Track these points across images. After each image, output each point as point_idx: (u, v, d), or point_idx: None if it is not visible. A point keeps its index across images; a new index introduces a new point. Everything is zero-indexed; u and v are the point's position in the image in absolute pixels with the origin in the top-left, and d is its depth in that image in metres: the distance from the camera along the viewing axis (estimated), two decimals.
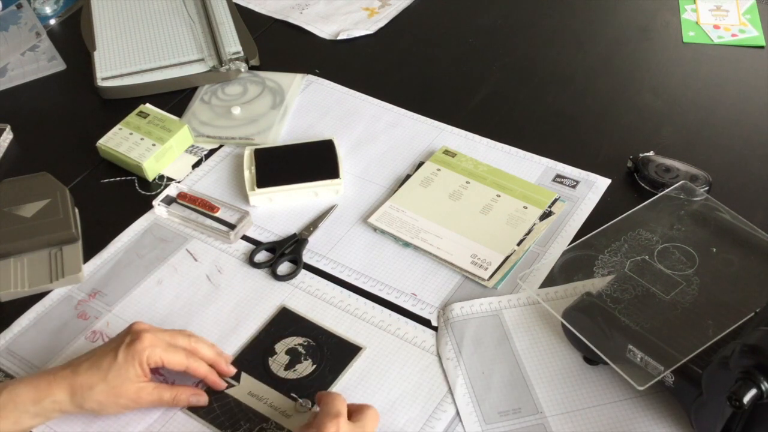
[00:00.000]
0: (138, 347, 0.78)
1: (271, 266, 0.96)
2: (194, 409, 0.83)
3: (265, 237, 1.00)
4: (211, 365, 0.84)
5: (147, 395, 0.79)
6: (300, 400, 0.83)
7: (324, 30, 1.32)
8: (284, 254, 0.97)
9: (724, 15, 1.28)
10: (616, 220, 0.92)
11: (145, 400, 0.79)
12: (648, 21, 1.30)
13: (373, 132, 1.13)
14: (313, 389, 0.84)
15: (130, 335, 0.80)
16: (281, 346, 0.88)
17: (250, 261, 0.96)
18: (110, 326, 0.91)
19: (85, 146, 1.12)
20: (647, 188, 1.01)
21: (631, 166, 1.04)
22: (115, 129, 1.11)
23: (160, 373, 0.85)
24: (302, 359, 0.86)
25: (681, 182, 0.97)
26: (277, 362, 0.86)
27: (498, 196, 1.01)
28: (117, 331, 0.85)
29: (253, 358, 0.87)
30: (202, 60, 1.22)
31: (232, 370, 0.85)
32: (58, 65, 1.27)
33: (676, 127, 1.11)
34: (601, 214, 0.99)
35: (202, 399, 0.82)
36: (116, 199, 1.06)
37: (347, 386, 0.84)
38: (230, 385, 0.84)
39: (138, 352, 0.78)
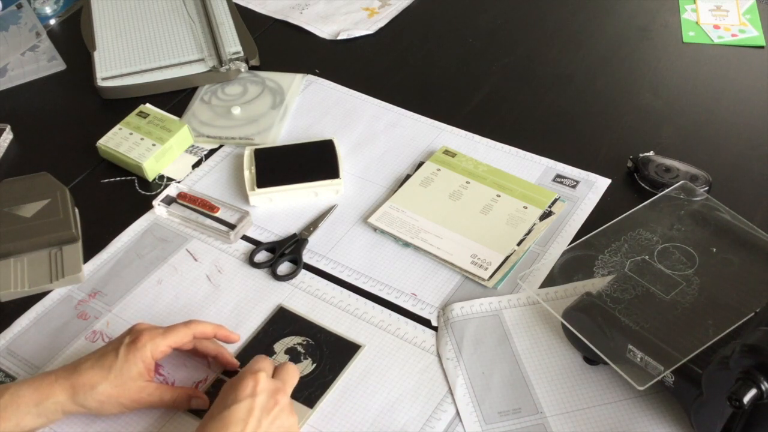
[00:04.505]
0: (138, 345, 0.79)
1: (271, 266, 0.96)
2: (195, 411, 0.82)
3: (265, 237, 1.00)
4: (214, 355, 0.85)
5: (148, 396, 0.79)
6: None
7: (324, 30, 1.32)
8: (284, 254, 0.97)
9: (724, 15, 1.28)
10: (616, 220, 0.92)
11: (146, 400, 0.80)
12: (648, 21, 1.30)
13: (373, 132, 1.13)
14: (313, 388, 0.84)
15: (130, 335, 0.80)
16: (280, 346, 0.88)
17: (250, 261, 0.96)
18: (110, 326, 0.91)
19: (85, 146, 1.12)
20: (647, 188, 1.01)
21: (631, 166, 1.04)
22: (115, 129, 1.11)
23: (161, 374, 0.85)
24: (302, 358, 0.86)
25: (681, 182, 0.97)
26: (277, 362, 0.86)
27: (498, 196, 1.01)
28: (117, 331, 0.86)
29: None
30: (202, 60, 1.22)
31: (236, 362, 0.85)
32: (58, 65, 1.27)
33: (676, 127, 1.11)
34: (601, 214, 0.99)
35: (203, 402, 0.82)
36: (116, 199, 1.06)
37: (347, 386, 0.84)
38: None
39: (139, 350, 0.78)
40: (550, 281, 0.91)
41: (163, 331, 0.81)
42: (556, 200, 1.01)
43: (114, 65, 1.22)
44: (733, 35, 1.25)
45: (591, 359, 0.84)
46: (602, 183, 1.03)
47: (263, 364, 0.78)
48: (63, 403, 0.78)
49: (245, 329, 0.90)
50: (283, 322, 0.90)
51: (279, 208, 1.03)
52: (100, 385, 0.77)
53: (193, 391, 0.83)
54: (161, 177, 1.08)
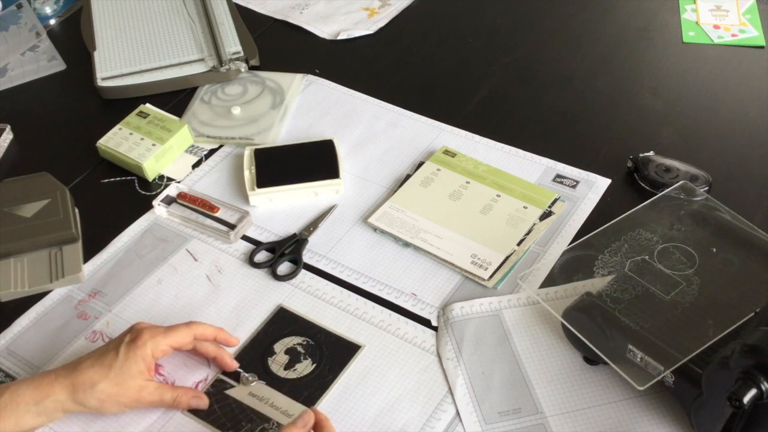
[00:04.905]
0: (139, 343, 0.79)
1: (271, 266, 0.96)
2: (195, 411, 0.82)
3: (265, 237, 1.00)
4: (214, 357, 0.85)
5: (148, 395, 0.79)
6: (246, 374, 0.84)
7: (324, 30, 1.32)
8: (284, 254, 0.97)
9: (724, 15, 1.28)
10: (616, 220, 0.92)
11: (146, 399, 0.80)
12: (648, 21, 1.30)
13: (373, 132, 1.13)
14: (313, 388, 0.84)
15: (131, 333, 0.81)
16: (280, 346, 0.88)
17: (250, 261, 0.96)
18: (110, 326, 0.91)
19: (85, 146, 1.12)
20: (647, 188, 1.01)
21: (631, 166, 1.04)
22: (115, 129, 1.11)
23: (160, 373, 0.85)
24: (302, 359, 0.86)
25: (681, 182, 0.97)
26: (277, 362, 0.86)
27: (498, 196, 1.01)
28: (117, 331, 0.86)
29: (252, 358, 0.87)
30: (202, 60, 1.22)
31: (236, 364, 0.85)
32: (58, 65, 1.27)
33: (676, 127, 1.11)
34: (601, 214, 0.99)
35: (203, 402, 0.82)
36: (116, 199, 1.06)
37: (347, 386, 0.84)
38: (230, 386, 0.84)
39: (139, 348, 0.79)
40: (550, 281, 0.91)
41: (164, 330, 0.81)
42: (556, 200, 1.01)
43: (114, 65, 1.22)
44: (733, 35, 1.25)
45: (591, 359, 0.84)
46: (602, 183, 1.03)
47: None
48: (63, 401, 0.78)
49: (245, 329, 0.90)
50: (283, 322, 0.90)
51: (279, 208, 1.03)
52: (100, 383, 0.77)
53: (193, 391, 0.83)
54: (161, 177, 1.08)
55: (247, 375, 0.84)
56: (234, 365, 0.85)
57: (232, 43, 1.25)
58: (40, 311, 0.93)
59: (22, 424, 0.77)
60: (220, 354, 0.85)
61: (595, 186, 1.03)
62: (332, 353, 0.87)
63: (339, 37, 1.29)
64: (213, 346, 0.85)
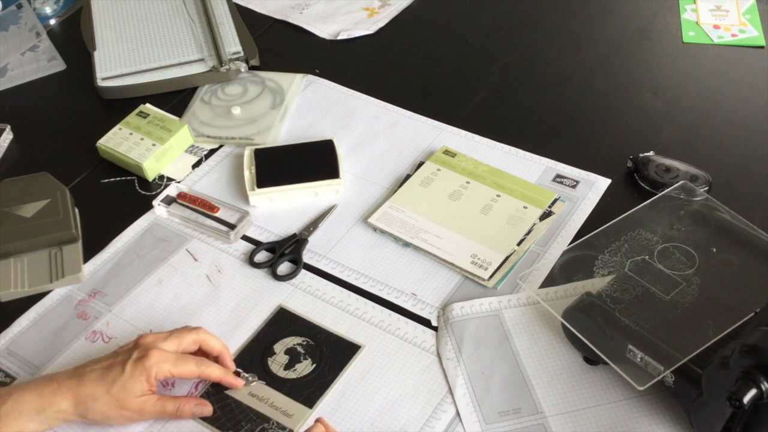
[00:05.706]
0: (146, 364, 0.78)
1: (271, 266, 0.96)
2: None
3: (265, 237, 1.00)
4: (216, 357, 0.84)
5: (150, 407, 0.79)
6: (246, 375, 0.84)
7: (324, 30, 1.32)
8: (284, 254, 0.97)
9: (724, 15, 1.28)
10: (616, 220, 0.92)
11: (148, 412, 0.79)
12: (648, 21, 1.30)
13: (373, 132, 1.13)
14: (313, 388, 0.84)
15: (138, 350, 0.79)
16: (280, 346, 0.88)
17: (250, 261, 0.96)
18: (110, 326, 0.91)
19: (85, 146, 1.12)
20: (647, 188, 1.01)
21: (631, 166, 1.04)
22: (115, 129, 1.11)
23: None
24: (302, 359, 0.86)
25: (681, 182, 0.97)
26: (277, 362, 0.86)
27: (498, 196, 1.01)
28: (117, 331, 0.86)
29: (252, 358, 0.87)
30: (202, 60, 1.22)
31: (240, 383, 0.84)
32: (58, 65, 1.27)
33: (676, 127, 1.11)
34: (601, 214, 0.99)
35: (206, 410, 0.82)
36: (116, 199, 1.06)
37: (347, 386, 0.84)
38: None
39: (146, 369, 0.78)
40: (550, 281, 0.91)
41: (173, 359, 0.79)
42: (556, 200, 1.01)
43: (114, 65, 1.22)
44: (733, 35, 1.25)
45: (591, 359, 0.84)
46: (602, 183, 1.03)
47: None
48: (65, 411, 0.78)
49: (245, 329, 0.90)
50: (283, 322, 0.90)
51: (279, 208, 1.03)
52: (102, 397, 0.77)
53: (195, 399, 0.82)
54: (161, 177, 1.08)
55: (247, 375, 0.84)
56: (240, 384, 0.84)
57: (232, 43, 1.25)
58: (40, 311, 0.93)
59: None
60: (225, 378, 0.83)
61: (595, 186, 1.03)
62: (332, 353, 0.87)
63: (339, 37, 1.30)
64: (218, 371, 0.83)
